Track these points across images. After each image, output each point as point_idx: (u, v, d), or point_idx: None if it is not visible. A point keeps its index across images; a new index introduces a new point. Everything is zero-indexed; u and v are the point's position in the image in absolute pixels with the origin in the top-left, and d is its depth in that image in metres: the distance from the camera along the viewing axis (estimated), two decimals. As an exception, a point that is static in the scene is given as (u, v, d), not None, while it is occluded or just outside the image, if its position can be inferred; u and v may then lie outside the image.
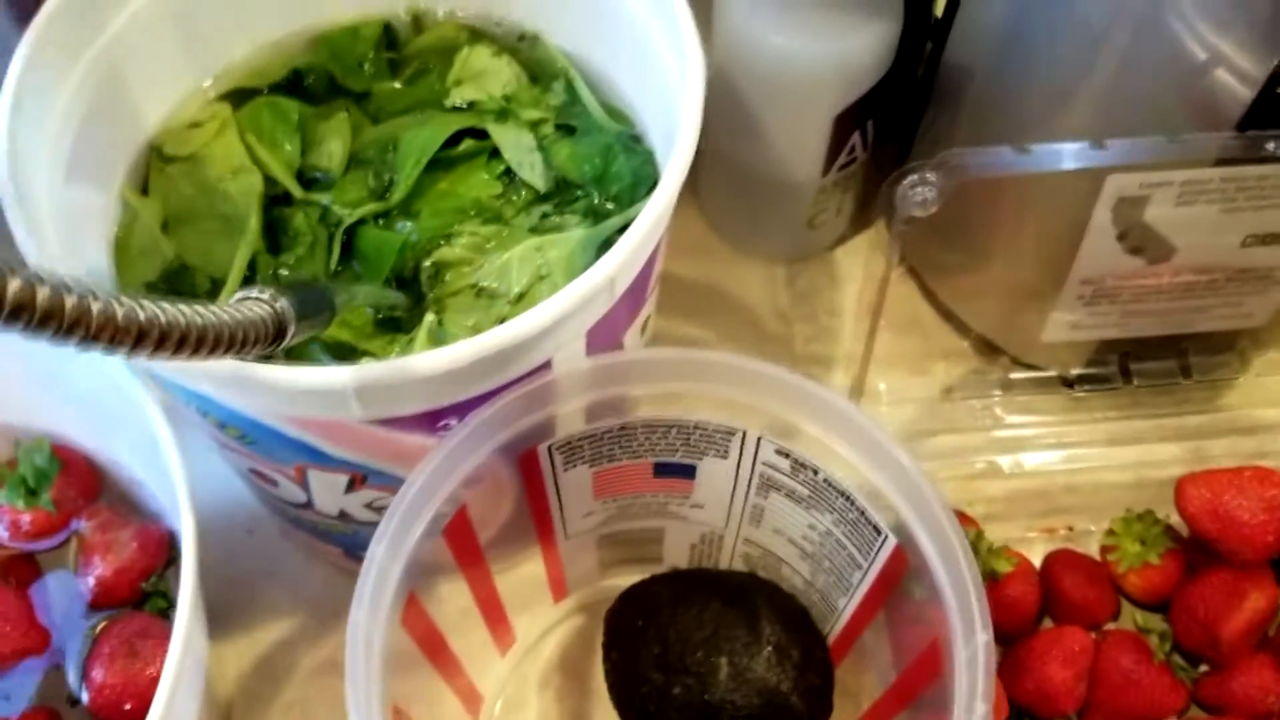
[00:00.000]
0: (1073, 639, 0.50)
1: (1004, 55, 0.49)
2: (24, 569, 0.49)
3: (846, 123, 0.55)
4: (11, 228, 0.39)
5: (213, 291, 0.46)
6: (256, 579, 0.57)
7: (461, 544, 0.44)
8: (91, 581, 0.47)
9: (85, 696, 0.46)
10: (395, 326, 0.46)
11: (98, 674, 0.45)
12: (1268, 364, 0.55)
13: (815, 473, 0.43)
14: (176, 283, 0.47)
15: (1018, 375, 0.58)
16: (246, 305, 0.29)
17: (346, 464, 0.43)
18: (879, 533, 0.42)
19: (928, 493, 0.38)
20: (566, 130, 0.50)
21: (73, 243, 0.44)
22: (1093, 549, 0.55)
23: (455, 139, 0.49)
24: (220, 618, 0.55)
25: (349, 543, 0.51)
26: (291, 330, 0.30)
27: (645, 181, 0.48)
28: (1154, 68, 0.43)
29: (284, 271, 0.47)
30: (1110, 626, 0.54)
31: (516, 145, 0.49)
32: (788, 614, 0.49)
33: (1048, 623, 0.54)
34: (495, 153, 0.49)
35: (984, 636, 0.36)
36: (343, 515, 0.48)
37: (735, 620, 0.48)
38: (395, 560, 0.39)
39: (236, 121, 0.50)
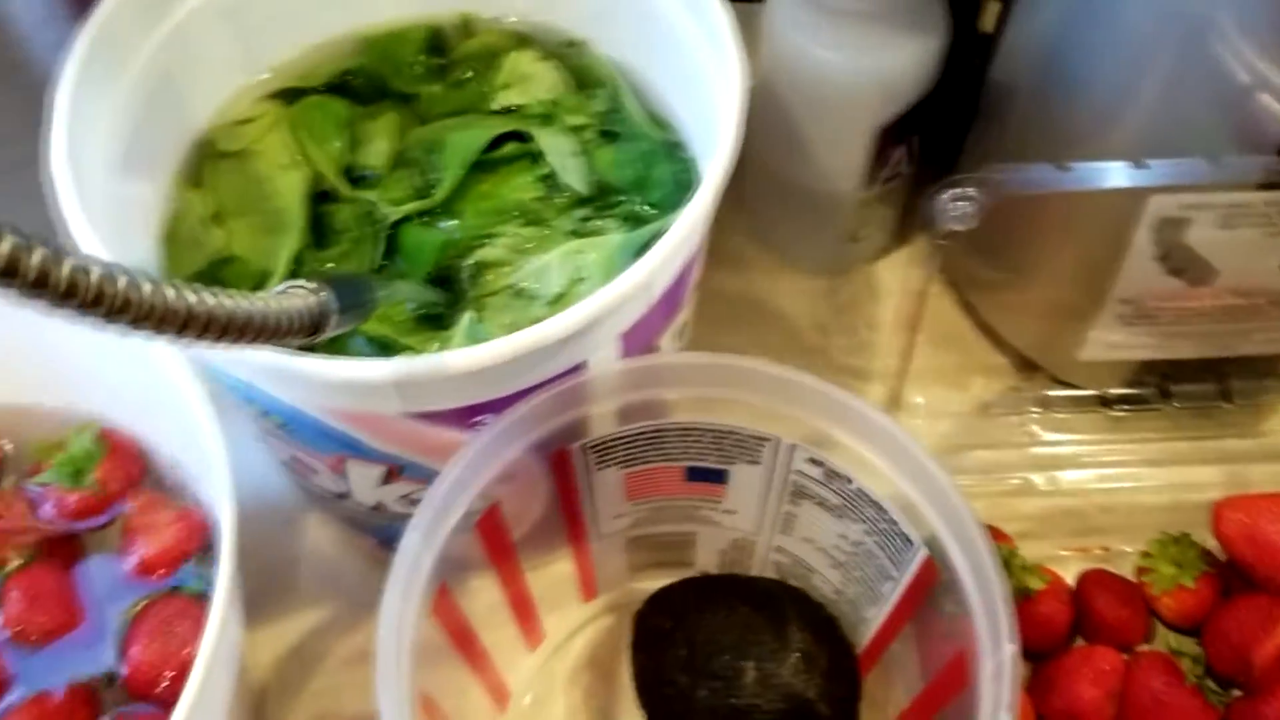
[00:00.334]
0: (1103, 659, 0.50)
1: (1049, 73, 0.49)
2: (69, 549, 0.50)
3: (889, 137, 0.55)
4: (65, 217, 0.40)
5: (258, 283, 0.47)
6: (293, 567, 0.58)
7: (493, 539, 0.45)
8: (133, 562, 0.48)
9: (122, 673, 0.46)
10: (435, 323, 0.46)
11: (134, 653, 0.46)
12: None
13: (848, 482, 0.43)
14: (223, 274, 0.48)
15: (1056, 393, 0.58)
16: (289, 295, 0.30)
17: (384, 456, 0.44)
18: (910, 544, 0.42)
19: (959, 505, 0.38)
20: (609, 136, 0.51)
21: (123, 233, 0.45)
22: (1127, 570, 0.55)
23: (499, 141, 0.50)
24: (256, 604, 0.56)
25: (384, 534, 0.52)
26: (332, 321, 0.31)
27: (685, 188, 0.48)
28: (1198, 90, 0.43)
29: (329, 265, 0.48)
30: (1143, 648, 0.53)
31: (559, 149, 0.50)
32: (816, 622, 0.49)
33: (1080, 643, 0.54)
34: (538, 156, 0.50)
35: (1010, 648, 0.36)
36: (379, 507, 0.49)
37: (763, 626, 0.48)
38: (428, 550, 0.40)
39: (287, 119, 0.51)
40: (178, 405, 0.44)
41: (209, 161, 0.50)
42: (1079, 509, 0.57)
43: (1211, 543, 0.52)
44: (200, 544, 0.49)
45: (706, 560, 0.53)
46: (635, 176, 0.49)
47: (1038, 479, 0.57)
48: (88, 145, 0.44)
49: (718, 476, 0.47)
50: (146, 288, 0.24)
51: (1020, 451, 0.57)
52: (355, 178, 0.50)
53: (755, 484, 0.47)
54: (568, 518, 0.48)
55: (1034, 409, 0.57)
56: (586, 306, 0.37)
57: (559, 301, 0.46)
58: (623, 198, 0.49)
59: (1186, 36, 0.42)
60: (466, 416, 0.41)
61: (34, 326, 0.47)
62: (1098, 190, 0.41)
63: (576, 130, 0.51)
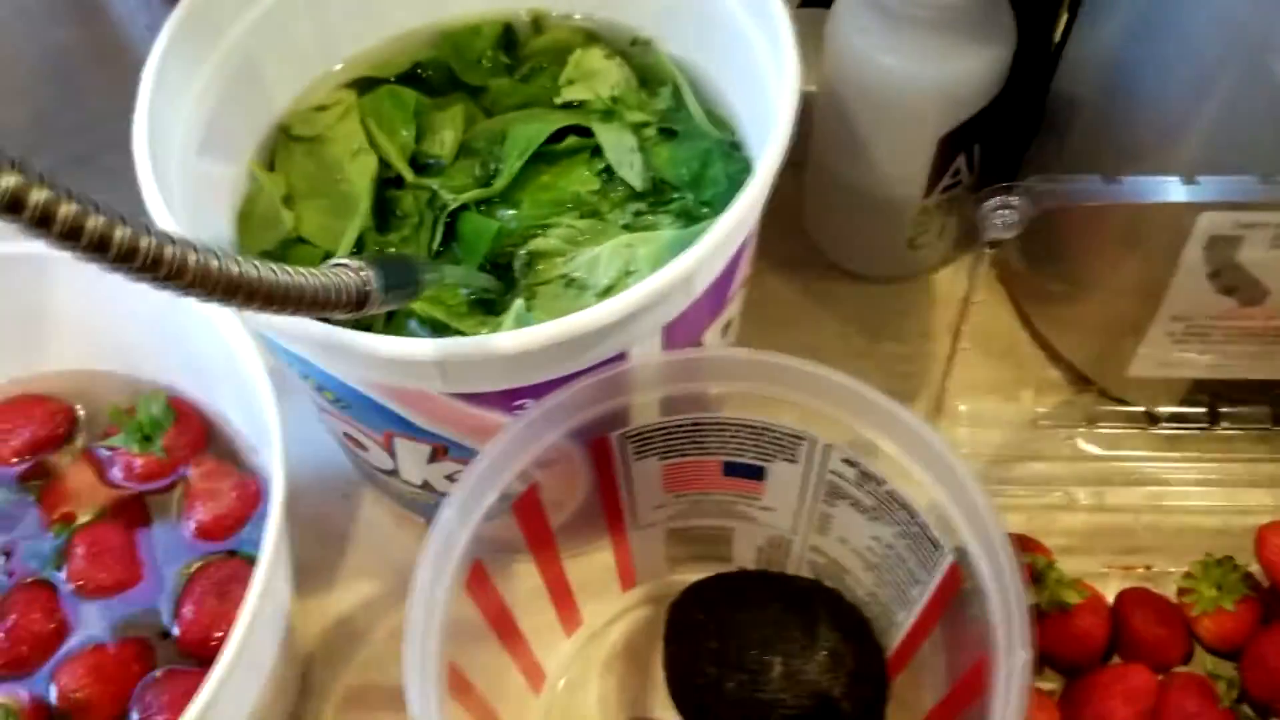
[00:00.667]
0: (1137, 677, 0.50)
1: (1111, 87, 0.49)
2: (135, 510, 0.52)
3: (951, 145, 0.55)
4: (144, 193, 0.42)
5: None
6: (347, 541, 0.60)
7: (531, 523, 0.46)
8: (192, 525, 0.51)
9: (175, 630, 0.49)
10: (488, 309, 0.48)
11: (188, 611, 0.49)
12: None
13: (880, 484, 0.44)
14: (292, 253, 0.50)
15: (1108, 409, 0.57)
16: (334, 271, 0.31)
17: (430, 435, 0.46)
18: (938, 548, 0.42)
19: (986, 513, 0.39)
20: (669, 134, 0.52)
21: (200, 210, 0.47)
22: (1170, 590, 0.54)
23: (561, 135, 0.51)
24: (309, 574, 0.58)
25: (432, 513, 0.53)
26: (375, 299, 0.32)
27: (739, 188, 0.49)
28: (1258, 109, 0.43)
29: (390, 249, 0.49)
30: (1180, 670, 0.53)
31: (618, 145, 0.51)
32: (847, 623, 0.49)
33: (1117, 661, 0.53)
34: (597, 151, 0.51)
35: (1023, 655, 0.36)
36: (426, 485, 0.51)
37: (793, 623, 0.49)
38: (463, 527, 0.41)
39: (359, 107, 0.53)
40: (240, 377, 0.47)
41: (284, 145, 0.53)
42: (1125, 526, 0.57)
43: (1257, 567, 0.51)
44: (257, 511, 0.51)
45: (744, 556, 0.54)
46: (691, 174, 0.50)
47: (1084, 494, 0.56)
48: (172, 125, 0.46)
49: (756, 473, 0.48)
50: (194, 255, 0.26)
51: (1068, 465, 0.57)
52: (421, 166, 0.52)
53: (793, 482, 0.47)
54: (607, 506, 0.49)
55: (1085, 424, 0.57)
56: (626, 298, 0.39)
57: (608, 293, 0.47)
58: (678, 194, 0.50)
59: (1247, 55, 0.42)
60: (509, 399, 0.43)
61: (111, 298, 0.50)
62: (1148, 205, 0.41)
63: (637, 127, 0.52)
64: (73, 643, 0.48)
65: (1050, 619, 0.51)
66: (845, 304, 0.65)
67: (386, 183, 0.51)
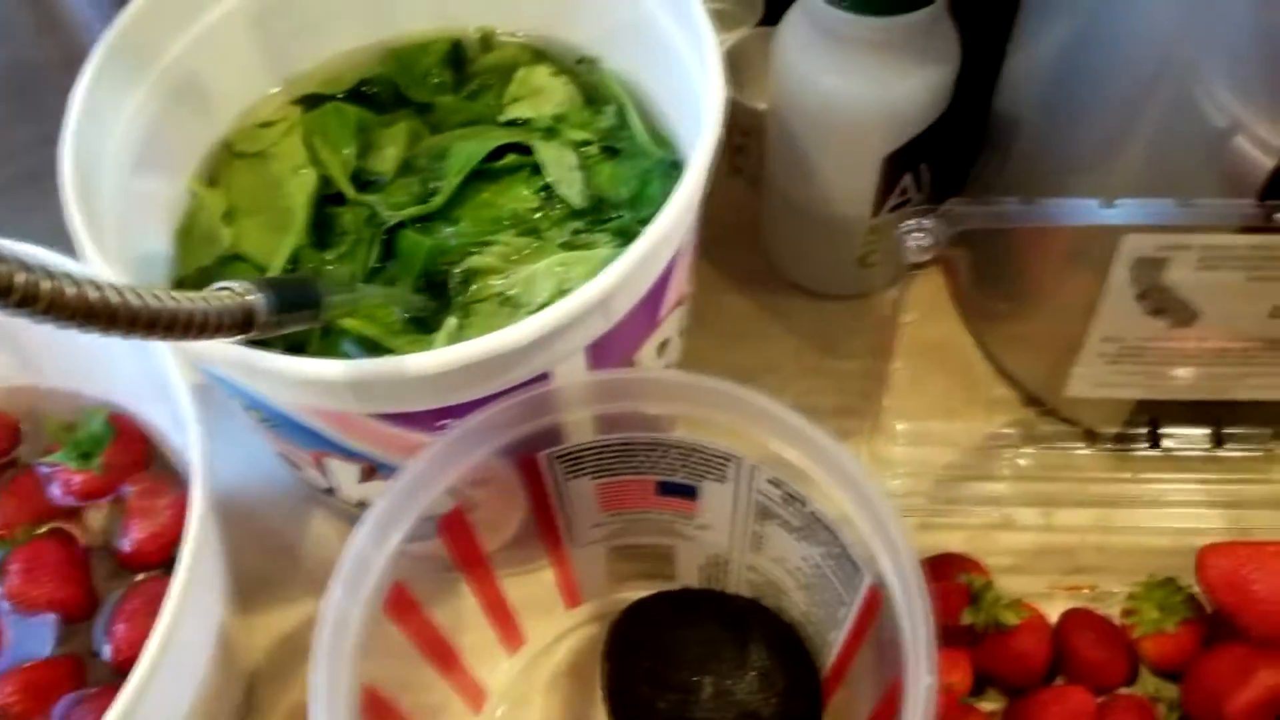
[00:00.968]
0: (1075, 698, 0.50)
1: (1048, 106, 0.49)
2: (74, 527, 0.52)
3: (897, 164, 0.55)
4: (66, 213, 0.43)
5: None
6: (295, 557, 0.60)
7: (459, 543, 0.46)
8: (127, 544, 0.51)
9: (106, 650, 0.49)
10: (423, 327, 0.48)
11: (119, 629, 0.49)
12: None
13: (804, 505, 0.43)
14: (229, 270, 0.50)
15: (1056, 428, 0.57)
16: (216, 295, 0.31)
17: (357, 454, 0.46)
18: (858, 570, 0.42)
19: (896, 535, 0.38)
20: (612, 152, 0.52)
21: (133, 228, 0.47)
22: (1115, 611, 0.54)
23: (502, 152, 0.51)
24: (256, 590, 0.58)
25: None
26: (262, 322, 0.32)
27: (676, 208, 0.49)
28: (1186, 130, 0.43)
29: (328, 266, 0.49)
30: (1124, 691, 0.52)
31: (558, 162, 0.51)
32: (781, 643, 0.49)
33: (1061, 681, 0.53)
34: (538, 168, 0.51)
35: (928, 680, 0.36)
36: (362, 504, 0.50)
37: (726, 643, 0.49)
38: (379, 549, 0.41)
39: (304, 124, 0.53)
40: (169, 394, 0.47)
41: (227, 161, 0.53)
42: (1073, 547, 0.56)
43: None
44: (195, 527, 0.51)
45: (688, 574, 0.54)
46: (631, 193, 0.50)
47: (1031, 514, 0.56)
48: (105, 144, 0.47)
49: (689, 492, 0.48)
50: (48, 282, 0.26)
51: (1015, 485, 0.56)
52: (363, 183, 0.52)
53: (725, 501, 0.47)
54: (543, 525, 0.49)
55: (1035, 444, 0.57)
56: (538, 321, 0.38)
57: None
58: (617, 213, 0.50)
59: (1174, 78, 0.42)
60: (431, 420, 0.43)
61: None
62: (1076, 226, 0.41)
63: (579, 144, 0.52)
64: (6, 659, 0.48)
65: (990, 639, 0.51)
66: (800, 321, 0.65)
67: (329, 199, 0.51)
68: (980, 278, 0.58)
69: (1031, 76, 0.50)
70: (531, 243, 0.49)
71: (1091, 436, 0.55)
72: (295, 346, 0.47)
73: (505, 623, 0.53)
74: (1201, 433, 0.52)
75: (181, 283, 0.49)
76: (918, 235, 0.41)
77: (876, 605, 0.42)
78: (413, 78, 0.55)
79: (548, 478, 0.46)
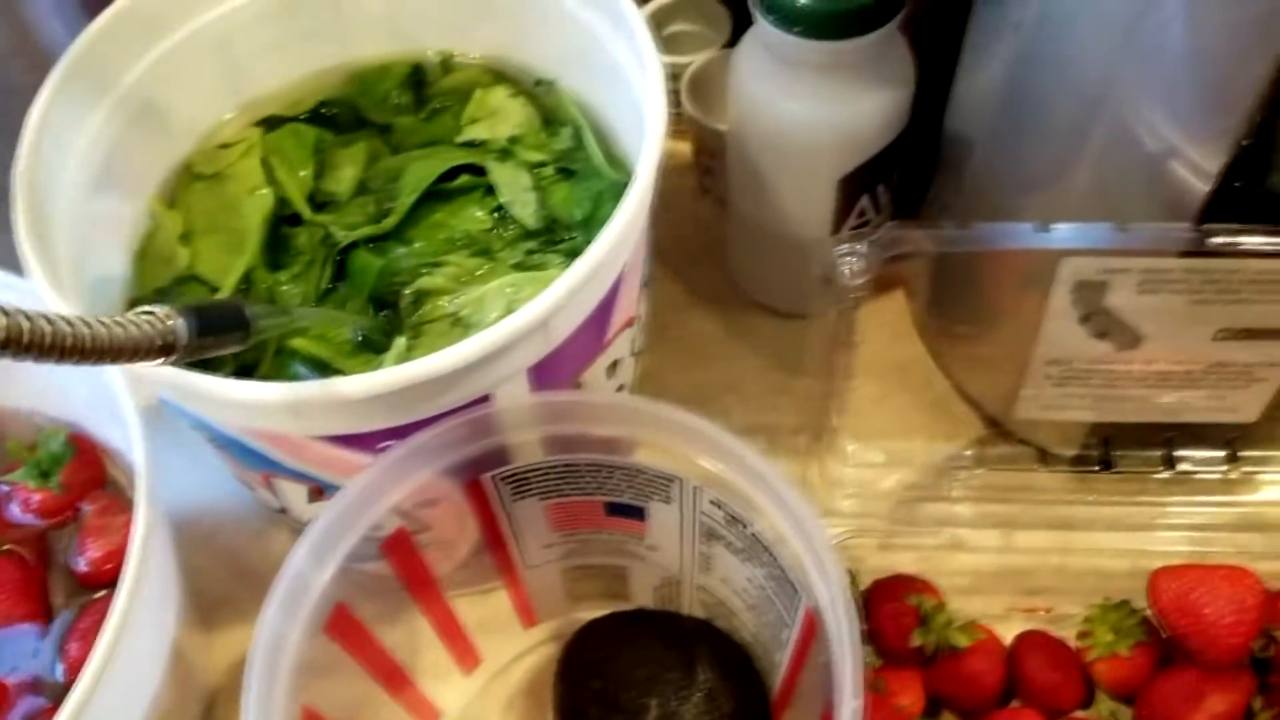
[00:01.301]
0: (1025, 721, 0.49)
1: (996, 128, 0.49)
2: (32, 546, 0.53)
3: (853, 186, 0.55)
4: (16, 234, 0.43)
5: (212, 301, 0.50)
6: (259, 576, 0.59)
7: (404, 564, 0.46)
8: (83, 563, 0.51)
9: (60, 670, 0.49)
10: (375, 347, 0.48)
11: (72, 648, 0.49)
12: (1267, 461, 0.53)
13: (745, 526, 0.43)
14: (185, 290, 0.50)
15: (1016, 450, 0.57)
16: (137, 320, 0.31)
17: (303, 475, 0.46)
18: (796, 592, 0.42)
19: (825, 556, 0.39)
20: (567, 173, 0.52)
21: (89, 249, 0.47)
22: (1072, 633, 0.54)
23: (456, 173, 0.51)
24: (219, 609, 0.58)
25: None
26: (184, 347, 0.33)
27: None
28: (1125, 156, 0.43)
29: (282, 286, 0.49)
30: (1079, 714, 0.52)
31: (512, 183, 0.51)
32: (729, 663, 0.49)
33: (1017, 705, 0.53)
34: (493, 189, 0.51)
35: (853, 704, 0.36)
36: (315, 524, 0.51)
37: (673, 664, 0.49)
38: (319, 570, 0.41)
39: (263, 145, 0.53)
40: (119, 414, 0.47)
41: (186, 182, 0.53)
42: (1031, 568, 0.56)
43: (1160, 612, 0.51)
44: (149, 548, 0.52)
45: (643, 594, 0.54)
46: (584, 214, 0.51)
47: (989, 535, 0.56)
48: (63, 164, 0.47)
49: (637, 513, 0.48)
50: None
51: (972, 506, 0.56)
52: (320, 203, 0.52)
53: (672, 522, 0.47)
54: (494, 546, 0.49)
55: (991, 464, 0.57)
56: (473, 344, 0.39)
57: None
58: (570, 235, 0.51)
59: (1111, 103, 0.42)
60: (373, 441, 0.43)
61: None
62: (1010, 250, 0.41)
63: (535, 166, 0.52)
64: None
65: (942, 661, 0.51)
66: (765, 340, 0.65)
67: (286, 220, 0.52)
68: (935, 298, 0.58)
69: (979, 99, 0.50)
70: (484, 263, 0.49)
71: (1048, 458, 0.55)
72: (247, 366, 0.47)
73: (459, 643, 0.53)
74: (1154, 455, 0.52)
75: (136, 303, 0.50)
76: (851, 260, 0.41)
77: (813, 628, 0.42)
78: (373, 99, 0.56)
79: (494, 499, 0.46)
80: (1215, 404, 0.48)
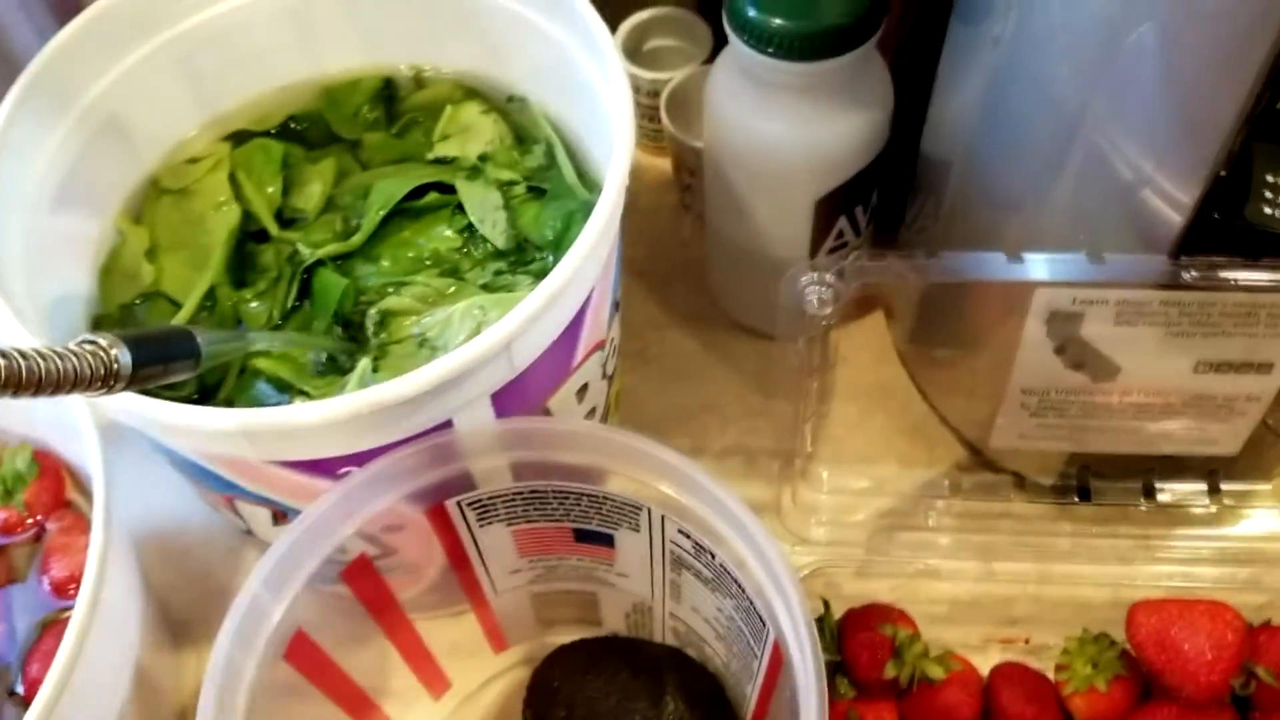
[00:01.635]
0: (999, 755, 0.49)
1: (971, 151, 0.48)
2: (2, 568, 0.52)
3: (831, 207, 0.54)
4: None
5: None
6: (229, 596, 0.58)
7: (366, 589, 0.45)
8: (46, 582, 0.50)
9: (20, 687, 0.48)
10: (338, 369, 0.47)
11: (34, 668, 0.48)
12: (1248, 495, 0.52)
13: (712, 556, 0.43)
14: (150, 307, 0.49)
15: (996, 478, 0.56)
16: (77, 351, 0.31)
17: (262, 499, 0.45)
18: (764, 624, 0.41)
19: (789, 587, 0.38)
20: (538, 192, 0.51)
21: (47, 267, 0.47)
22: (1050, 665, 0.53)
23: (424, 191, 0.51)
24: (189, 628, 0.58)
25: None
26: (126, 375, 0.32)
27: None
28: (1102, 184, 0.42)
29: (247, 303, 0.49)
30: (1057, 747, 0.51)
31: (481, 202, 0.50)
32: (698, 693, 0.48)
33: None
34: (461, 207, 0.50)
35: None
36: (279, 546, 0.50)
37: (640, 692, 0.48)
38: (278, 598, 0.40)
39: (231, 160, 0.53)
40: (79, 431, 0.46)
41: (153, 198, 0.52)
42: (1009, 598, 0.55)
43: (1140, 645, 0.50)
44: (112, 568, 0.51)
45: (614, 620, 0.53)
46: (555, 234, 0.50)
47: (968, 563, 0.55)
48: (20, 180, 0.46)
49: (606, 540, 0.47)
50: None
51: (950, 534, 0.55)
52: (289, 220, 0.52)
53: (641, 550, 0.46)
54: (460, 570, 0.49)
55: (968, 492, 0.56)
56: (431, 371, 0.38)
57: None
58: (540, 255, 0.50)
59: (1087, 130, 0.41)
60: (332, 467, 0.42)
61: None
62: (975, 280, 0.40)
63: (505, 184, 0.51)
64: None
65: (918, 691, 0.50)
66: (744, 360, 0.64)
67: (253, 236, 0.51)
68: (913, 321, 0.57)
69: (957, 119, 0.49)
70: (452, 284, 0.49)
71: (1027, 486, 0.54)
72: (210, 387, 0.46)
73: (426, 667, 0.52)
74: (1134, 486, 0.51)
75: (99, 321, 0.49)
76: (819, 289, 0.40)
77: (780, 660, 0.41)
78: (342, 114, 0.55)
79: (459, 524, 0.46)
80: (1196, 436, 0.47)
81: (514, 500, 0.45)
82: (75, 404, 0.46)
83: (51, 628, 0.50)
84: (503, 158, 0.52)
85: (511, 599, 0.52)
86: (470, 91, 0.55)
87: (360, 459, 0.41)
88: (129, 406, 0.37)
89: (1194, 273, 0.38)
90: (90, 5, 0.48)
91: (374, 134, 0.54)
